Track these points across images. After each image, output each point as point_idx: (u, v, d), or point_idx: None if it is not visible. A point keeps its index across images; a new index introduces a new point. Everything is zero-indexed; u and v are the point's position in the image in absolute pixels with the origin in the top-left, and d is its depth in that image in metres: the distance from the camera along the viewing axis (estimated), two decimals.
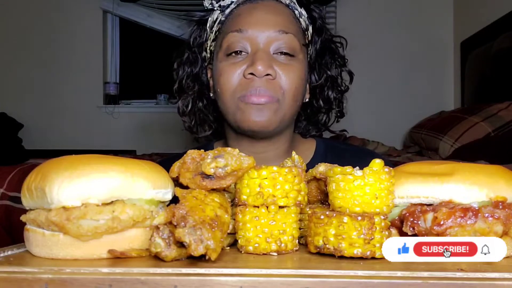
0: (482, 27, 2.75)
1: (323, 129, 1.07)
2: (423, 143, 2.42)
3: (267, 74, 0.87)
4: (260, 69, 0.85)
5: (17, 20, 3.50)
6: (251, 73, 0.86)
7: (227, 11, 0.95)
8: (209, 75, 1.01)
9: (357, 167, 0.50)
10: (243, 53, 0.90)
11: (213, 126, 1.07)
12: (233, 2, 0.95)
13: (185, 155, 0.53)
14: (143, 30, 3.60)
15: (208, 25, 0.98)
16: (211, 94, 1.00)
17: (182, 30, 1.07)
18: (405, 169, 0.56)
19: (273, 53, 0.90)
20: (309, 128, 1.07)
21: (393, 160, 1.87)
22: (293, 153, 0.61)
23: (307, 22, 0.97)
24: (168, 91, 3.54)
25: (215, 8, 0.96)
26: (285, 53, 0.90)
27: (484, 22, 2.71)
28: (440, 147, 2.22)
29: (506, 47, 2.42)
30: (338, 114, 1.06)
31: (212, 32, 0.97)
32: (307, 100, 1.01)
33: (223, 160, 0.50)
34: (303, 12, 0.96)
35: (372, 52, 3.25)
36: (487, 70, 2.65)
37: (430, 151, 2.34)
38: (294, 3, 0.96)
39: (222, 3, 0.95)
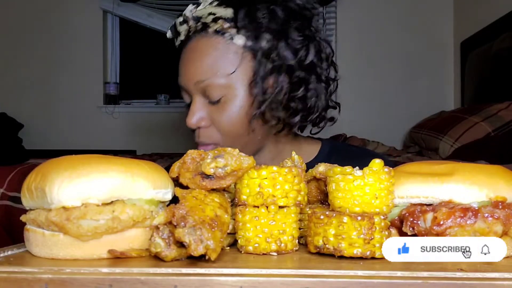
0: (482, 27, 2.75)
1: (305, 125, 0.98)
2: (423, 143, 2.42)
3: (200, 127, 0.90)
4: (189, 124, 0.89)
5: (17, 20, 3.51)
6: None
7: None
8: None
9: (357, 167, 0.50)
10: (189, 103, 0.93)
11: None
12: (181, 41, 0.95)
13: (185, 155, 0.53)
14: (143, 30, 3.60)
15: None
16: None
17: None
18: (405, 169, 0.56)
19: (205, 100, 0.89)
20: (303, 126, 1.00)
21: (393, 160, 1.86)
22: (293, 153, 0.61)
23: (245, 36, 0.87)
24: (168, 91, 3.54)
25: (177, 47, 0.97)
26: (212, 101, 0.88)
27: (484, 22, 2.71)
28: (440, 147, 2.22)
29: (506, 47, 2.42)
30: (320, 119, 0.93)
31: None
32: (261, 111, 0.90)
33: (223, 160, 0.50)
34: (243, 23, 0.86)
35: (372, 52, 3.26)
36: (487, 70, 2.65)
37: (430, 151, 2.34)
38: (226, 19, 0.86)
39: (176, 42, 0.97)
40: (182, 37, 0.94)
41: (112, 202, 0.48)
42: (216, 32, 0.88)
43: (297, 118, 0.91)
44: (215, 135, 0.90)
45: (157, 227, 0.47)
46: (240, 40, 0.87)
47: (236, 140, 0.90)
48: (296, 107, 0.90)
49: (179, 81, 0.93)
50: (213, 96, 0.88)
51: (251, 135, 0.91)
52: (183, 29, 0.93)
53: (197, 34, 0.91)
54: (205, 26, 0.89)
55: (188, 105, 0.93)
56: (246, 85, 0.88)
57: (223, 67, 0.87)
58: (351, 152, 1.07)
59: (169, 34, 0.99)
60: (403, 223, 0.51)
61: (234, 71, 0.87)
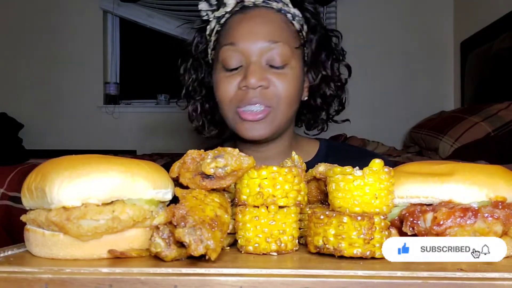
0: (482, 27, 2.75)
1: (325, 121, 1.09)
2: (423, 143, 2.42)
3: (260, 86, 0.91)
4: (252, 82, 0.90)
5: (17, 20, 3.51)
6: (246, 86, 0.91)
7: (222, 20, 0.98)
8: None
9: (357, 167, 0.50)
10: (238, 67, 0.94)
11: (218, 126, 1.10)
12: (227, 12, 0.97)
13: (185, 155, 0.53)
14: (143, 30, 3.60)
15: (207, 33, 1.01)
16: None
17: (185, 35, 1.09)
18: (405, 169, 0.56)
19: (266, 63, 0.93)
20: (311, 123, 1.10)
21: (393, 160, 1.86)
22: (293, 153, 0.61)
23: (301, 22, 0.98)
24: (168, 91, 3.54)
25: (211, 19, 0.99)
26: (277, 65, 0.92)
27: (484, 22, 2.71)
28: (440, 147, 2.22)
29: (506, 47, 2.42)
30: (340, 108, 1.08)
31: (210, 41, 1.01)
32: (305, 98, 1.03)
33: (223, 160, 0.50)
34: (297, 12, 0.97)
35: (372, 52, 3.25)
36: (487, 70, 2.65)
37: (430, 151, 2.34)
38: (287, 4, 0.97)
39: (216, 14, 0.98)
40: (232, 5, 0.97)
41: (112, 202, 0.48)
42: (279, 10, 0.96)
43: (333, 108, 1.06)
44: (274, 98, 0.92)
45: (157, 227, 0.47)
46: (297, 24, 0.97)
47: (287, 109, 0.94)
48: (336, 93, 1.03)
49: (236, 42, 0.93)
50: (279, 60, 0.92)
51: (293, 112, 0.98)
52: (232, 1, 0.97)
53: (259, 5, 0.96)
54: (267, 1, 0.96)
55: (230, 70, 0.94)
56: (301, 64, 0.98)
57: (290, 40, 0.95)
58: (350, 152, 1.10)
59: (204, 6, 1.00)
60: (403, 223, 0.51)
61: (297, 47, 0.96)
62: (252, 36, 0.93)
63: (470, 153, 1.82)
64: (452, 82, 3.25)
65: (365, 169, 0.50)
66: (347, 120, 1.13)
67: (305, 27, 0.99)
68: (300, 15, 0.98)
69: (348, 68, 1.07)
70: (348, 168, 0.50)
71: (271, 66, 0.93)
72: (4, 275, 0.42)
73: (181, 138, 2.98)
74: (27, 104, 3.46)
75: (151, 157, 2.36)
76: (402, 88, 3.28)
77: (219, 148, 0.52)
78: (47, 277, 0.41)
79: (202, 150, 0.54)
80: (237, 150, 0.52)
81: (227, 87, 0.94)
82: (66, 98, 3.49)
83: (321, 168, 0.57)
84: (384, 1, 3.32)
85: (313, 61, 1.01)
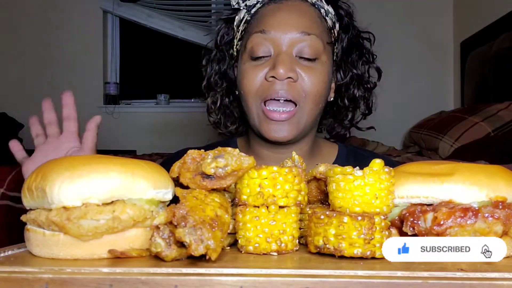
0: (482, 27, 2.75)
1: (349, 127, 1.06)
2: (423, 143, 2.42)
3: (289, 77, 0.87)
4: (281, 72, 0.86)
5: (17, 20, 3.51)
6: (273, 76, 0.87)
7: (253, 10, 0.95)
8: (236, 72, 1.02)
9: (357, 167, 0.50)
10: (266, 56, 0.91)
11: (236, 122, 1.08)
12: (259, 1, 0.95)
13: (185, 155, 0.53)
14: (143, 30, 3.60)
15: (235, 23, 0.98)
16: (237, 92, 1.01)
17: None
18: (405, 169, 0.56)
19: (296, 55, 0.90)
20: (334, 126, 1.07)
21: (393, 160, 1.86)
22: (293, 153, 0.61)
23: (334, 19, 0.96)
24: (168, 91, 3.54)
25: (241, 8, 0.96)
26: (308, 57, 0.90)
27: (484, 22, 2.71)
28: (440, 147, 2.22)
29: (506, 47, 2.42)
30: (366, 112, 1.05)
31: (238, 31, 0.98)
32: (331, 99, 1.00)
33: (223, 160, 0.50)
34: (330, 9, 0.95)
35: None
36: (487, 70, 2.65)
37: (430, 151, 2.34)
38: (321, 1, 0.95)
39: (248, 2, 0.96)
40: None
41: (112, 202, 0.48)
42: (313, 4, 0.94)
43: (359, 112, 1.03)
44: (301, 93, 0.89)
45: (157, 227, 0.47)
46: (330, 21, 0.95)
47: (313, 108, 0.91)
48: (364, 95, 1.01)
49: (267, 30, 0.90)
50: (311, 53, 0.89)
51: (319, 111, 0.94)
52: None
53: None
54: None
55: (256, 58, 0.91)
56: (331, 61, 0.95)
57: (323, 34, 0.93)
58: (365, 157, 1.06)
59: None
60: (403, 223, 0.51)
61: (330, 43, 0.94)
62: (284, 25, 0.90)
63: (470, 153, 1.82)
64: (452, 82, 3.25)
65: (366, 169, 0.50)
66: (372, 127, 1.09)
67: (337, 25, 0.96)
68: (333, 12, 0.96)
69: (378, 71, 1.03)
70: (348, 168, 0.50)
71: (301, 58, 0.89)
72: (5, 275, 0.42)
73: (181, 138, 2.98)
74: (27, 104, 3.46)
75: (151, 157, 2.36)
76: (402, 88, 3.28)
77: (219, 148, 0.52)
78: (47, 277, 0.41)
79: (202, 150, 0.54)
80: (237, 150, 0.51)
81: (253, 77, 0.90)
82: None
83: (321, 168, 0.57)
84: (384, 1, 3.32)
85: (343, 60, 0.98)
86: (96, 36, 3.54)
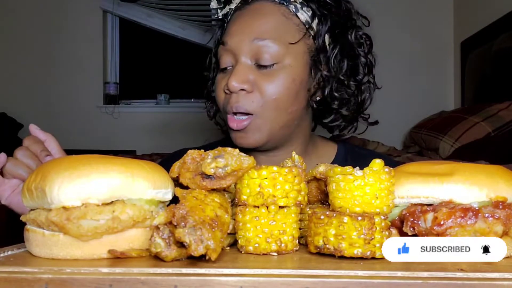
0: (482, 27, 2.75)
1: (345, 127, 1.01)
2: (423, 143, 2.42)
3: (242, 89, 0.85)
4: (233, 85, 0.84)
5: (17, 20, 3.50)
6: (228, 89, 0.86)
7: (228, 18, 0.94)
8: None
9: (357, 167, 0.50)
10: (230, 67, 0.89)
11: None
12: (231, 9, 0.93)
13: (185, 155, 0.53)
14: (143, 30, 3.60)
15: (219, 33, 0.98)
16: None
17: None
18: (405, 169, 0.56)
19: (255, 63, 0.86)
20: (333, 126, 1.01)
21: (393, 160, 1.86)
22: (293, 153, 0.61)
23: (309, 14, 0.89)
24: (168, 91, 3.54)
25: (220, 17, 0.95)
26: (264, 64, 0.85)
27: (484, 22, 2.71)
28: (440, 147, 2.22)
29: (506, 47, 2.42)
30: (356, 108, 0.97)
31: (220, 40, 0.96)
32: (318, 98, 0.93)
33: (223, 160, 0.50)
34: (304, 3, 0.89)
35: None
36: (487, 70, 2.65)
37: (430, 151, 2.34)
38: None
39: (223, 11, 0.94)
40: (237, 1, 0.92)
41: (112, 202, 0.48)
42: (281, 2, 0.89)
43: (348, 109, 0.95)
44: (256, 103, 0.85)
45: (157, 227, 0.47)
46: (303, 15, 0.89)
47: (275, 115, 0.86)
48: (352, 93, 0.93)
49: (226, 41, 0.88)
50: (267, 59, 0.85)
51: (289, 116, 0.88)
52: None
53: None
54: None
55: (223, 70, 0.89)
56: (303, 61, 0.88)
57: (285, 35, 0.87)
58: (365, 156, 1.04)
59: (213, 4, 0.95)
60: (403, 223, 0.51)
61: (295, 43, 0.87)
62: (239, 34, 0.87)
63: (470, 153, 1.82)
64: (452, 82, 3.25)
65: (366, 169, 0.50)
66: (376, 122, 1.04)
67: (316, 19, 0.89)
68: (313, 6, 0.89)
69: (368, 66, 0.95)
70: (348, 168, 0.50)
71: (260, 66, 0.86)
72: (4, 275, 0.42)
73: (181, 138, 2.98)
74: (27, 104, 3.46)
75: (151, 157, 2.36)
76: (402, 88, 3.28)
77: (219, 148, 0.52)
78: (47, 277, 0.41)
79: (202, 150, 0.54)
80: (237, 150, 0.51)
81: (220, 89, 0.89)
82: (66, 98, 3.49)
83: (321, 168, 0.57)
84: (384, 1, 3.32)
85: (323, 56, 0.91)
86: (96, 36, 3.54)
